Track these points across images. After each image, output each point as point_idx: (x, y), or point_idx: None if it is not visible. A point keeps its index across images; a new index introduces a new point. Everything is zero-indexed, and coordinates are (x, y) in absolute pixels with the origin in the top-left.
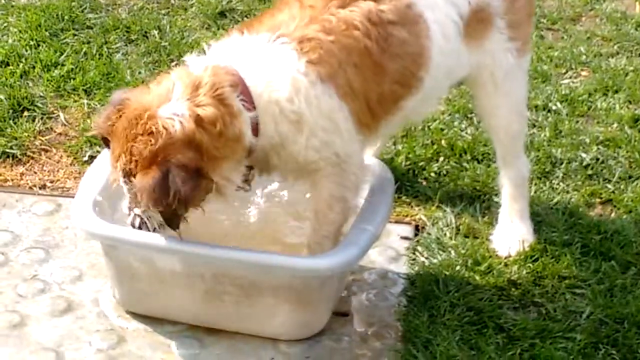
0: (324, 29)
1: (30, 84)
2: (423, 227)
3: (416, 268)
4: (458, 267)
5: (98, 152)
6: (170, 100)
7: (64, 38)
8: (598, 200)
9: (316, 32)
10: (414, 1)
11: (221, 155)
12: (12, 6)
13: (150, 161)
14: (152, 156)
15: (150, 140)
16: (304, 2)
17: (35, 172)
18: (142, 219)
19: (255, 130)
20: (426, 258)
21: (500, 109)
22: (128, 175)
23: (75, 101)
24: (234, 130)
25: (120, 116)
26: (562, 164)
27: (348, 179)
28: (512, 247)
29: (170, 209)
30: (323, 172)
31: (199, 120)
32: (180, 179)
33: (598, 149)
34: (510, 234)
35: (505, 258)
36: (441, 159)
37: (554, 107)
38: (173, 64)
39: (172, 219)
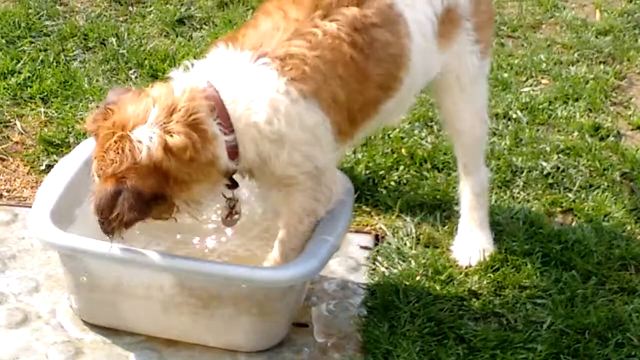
0: (309, 45)
1: None
2: (383, 237)
3: (376, 278)
4: (418, 277)
5: (55, 161)
6: (145, 123)
7: (21, 45)
8: (559, 209)
9: (300, 49)
10: (394, 0)
11: (192, 179)
12: None
13: (111, 175)
14: (113, 173)
15: (117, 159)
16: (288, 13)
17: None
18: None
19: (235, 154)
20: (386, 268)
21: (464, 113)
22: (96, 176)
23: (32, 109)
24: (207, 155)
25: (105, 119)
26: (522, 172)
27: (322, 192)
28: (473, 257)
29: (108, 223)
30: (299, 186)
31: (167, 148)
32: (128, 203)
33: (559, 157)
34: (471, 244)
35: (466, 268)
36: (401, 167)
37: (514, 116)
38: (131, 71)
39: (107, 230)
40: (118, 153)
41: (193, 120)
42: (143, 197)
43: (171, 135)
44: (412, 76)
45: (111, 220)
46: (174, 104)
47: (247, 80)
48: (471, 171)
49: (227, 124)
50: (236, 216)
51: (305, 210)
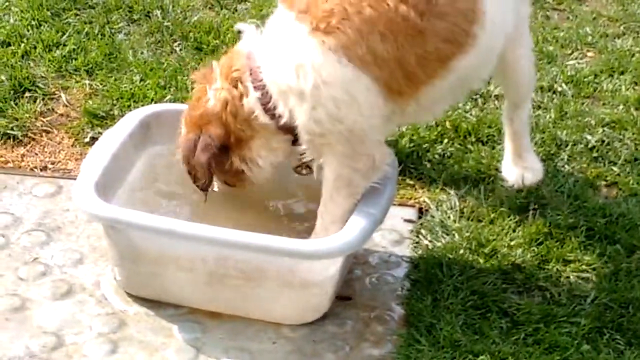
0: (348, 2)
1: (32, 65)
2: (427, 210)
3: (419, 251)
4: (462, 251)
5: (100, 133)
6: (215, 82)
7: (66, 18)
8: (603, 182)
9: (338, 6)
10: None
11: (245, 135)
12: None
13: (192, 125)
14: (193, 122)
15: (196, 110)
16: None
17: (36, 154)
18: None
19: (270, 110)
20: (430, 241)
21: (523, 59)
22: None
23: (77, 82)
24: (244, 109)
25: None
26: (567, 146)
27: (359, 160)
28: (526, 176)
29: (194, 172)
30: (332, 150)
31: (221, 102)
32: (202, 145)
33: (604, 131)
34: (523, 165)
35: (517, 187)
36: (445, 140)
37: (559, 89)
38: (175, 44)
39: (197, 181)
40: (197, 105)
41: (233, 78)
42: (214, 141)
43: (221, 92)
44: (488, 32)
45: (195, 167)
46: (225, 63)
47: (278, 37)
48: (525, 104)
49: (257, 81)
50: (304, 171)
51: (339, 179)
